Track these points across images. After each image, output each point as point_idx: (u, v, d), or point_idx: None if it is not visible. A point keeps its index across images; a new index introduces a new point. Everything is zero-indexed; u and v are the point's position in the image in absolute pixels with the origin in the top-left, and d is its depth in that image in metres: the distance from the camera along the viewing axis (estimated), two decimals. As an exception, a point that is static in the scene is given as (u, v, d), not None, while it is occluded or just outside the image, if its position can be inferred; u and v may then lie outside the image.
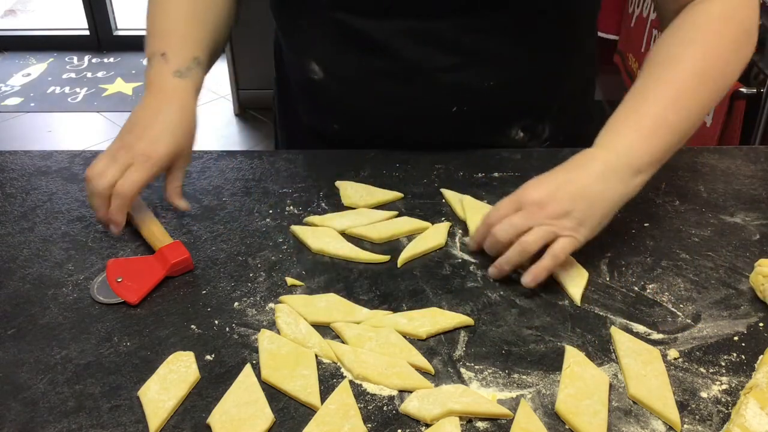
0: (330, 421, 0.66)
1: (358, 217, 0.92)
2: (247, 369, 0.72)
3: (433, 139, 1.04)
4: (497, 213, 0.82)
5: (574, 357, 0.73)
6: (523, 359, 0.74)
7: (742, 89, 1.70)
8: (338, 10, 0.96)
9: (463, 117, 1.02)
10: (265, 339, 0.75)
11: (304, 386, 0.70)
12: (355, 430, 0.66)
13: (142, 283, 0.82)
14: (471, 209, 0.92)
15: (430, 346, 0.75)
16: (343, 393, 0.69)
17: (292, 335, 0.76)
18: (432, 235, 0.89)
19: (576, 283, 0.82)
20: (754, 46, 0.90)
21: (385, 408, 0.69)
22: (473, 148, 1.05)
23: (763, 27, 1.68)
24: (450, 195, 0.96)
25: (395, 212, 0.93)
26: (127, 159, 0.85)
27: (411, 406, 0.68)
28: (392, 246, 0.89)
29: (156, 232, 0.88)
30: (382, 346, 0.75)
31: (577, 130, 1.08)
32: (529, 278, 0.79)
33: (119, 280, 0.82)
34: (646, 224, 0.92)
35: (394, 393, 0.70)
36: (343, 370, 0.73)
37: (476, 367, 0.73)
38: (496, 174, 1.01)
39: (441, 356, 0.74)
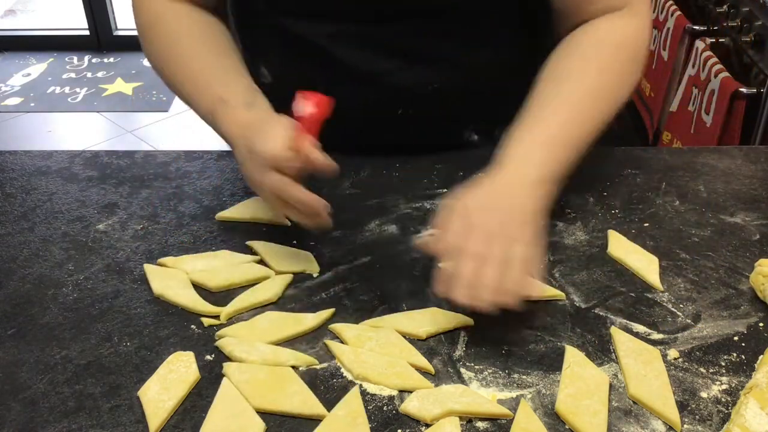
0: (337, 428, 0.66)
1: (213, 261, 0.86)
2: (226, 382, 0.71)
3: (385, 142, 1.03)
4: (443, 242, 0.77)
5: (574, 357, 0.73)
6: (523, 359, 0.74)
7: (742, 89, 1.70)
8: (279, 14, 0.97)
9: (411, 120, 1.02)
10: (233, 372, 0.72)
11: (303, 401, 0.69)
12: None
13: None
14: None
15: (430, 346, 0.75)
16: (353, 400, 0.69)
17: (259, 358, 0.73)
18: (264, 288, 0.82)
19: (651, 270, 0.84)
20: (640, 75, 0.92)
21: (385, 408, 0.69)
22: (432, 151, 1.04)
23: (764, 27, 1.69)
24: None
25: (257, 258, 0.87)
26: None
27: (411, 406, 0.68)
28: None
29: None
30: (382, 346, 0.74)
31: None
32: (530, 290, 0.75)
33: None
34: (646, 224, 0.92)
35: (394, 393, 0.70)
36: (343, 370, 0.73)
37: (476, 367, 0.73)
38: (496, 174, 1.01)
39: (441, 356, 0.74)
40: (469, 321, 0.77)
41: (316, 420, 0.67)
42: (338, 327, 0.77)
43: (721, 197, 0.97)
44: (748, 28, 1.75)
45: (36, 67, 3.61)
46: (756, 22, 1.72)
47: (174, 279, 0.83)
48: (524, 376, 0.72)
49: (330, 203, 0.96)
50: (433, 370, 0.73)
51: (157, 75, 0.97)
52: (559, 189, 0.83)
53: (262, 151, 0.78)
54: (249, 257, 0.87)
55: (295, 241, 0.89)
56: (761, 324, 0.78)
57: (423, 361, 0.73)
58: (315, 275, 0.85)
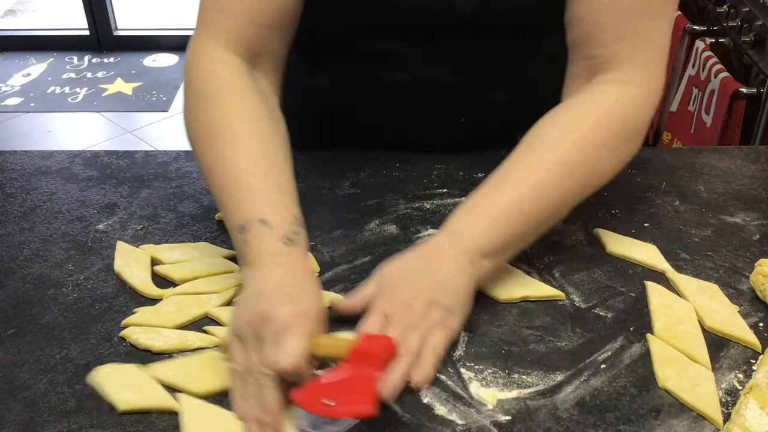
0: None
1: (191, 252, 0.87)
2: (184, 397, 0.69)
3: (438, 146, 1.05)
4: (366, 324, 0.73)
5: (656, 290, 0.81)
6: (523, 359, 0.74)
7: (742, 89, 1.70)
8: (356, 31, 0.96)
9: (471, 126, 1.03)
10: (161, 372, 0.71)
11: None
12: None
13: (363, 393, 0.65)
14: None
15: (430, 346, 0.75)
16: None
17: (166, 343, 0.74)
18: (216, 280, 0.82)
19: (657, 258, 0.86)
20: (637, 146, 0.85)
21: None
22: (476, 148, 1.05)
23: (764, 27, 1.69)
24: None
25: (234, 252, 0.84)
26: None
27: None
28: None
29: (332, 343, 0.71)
30: None
31: None
32: (419, 378, 0.69)
33: (331, 403, 0.64)
34: (646, 224, 0.92)
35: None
36: None
37: (476, 367, 0.73)
38: (496, 174, 1.01)
39: (441, 356, 0.74)
40: (341, 298, 0.79)
41: None
42: (215, 311, 0.78)
43: (721, 197, 0.97)
44: (748, 28, 1.75)
45: (36, 67, 3.61)
46: (756, 22, 1.72)
47: (136, 260, 0.85)
48: (524, 376, 0.72)
49: (330, 203, 0.96)
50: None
51: (191, 148, 0.85)
52: (499, 263, 0.80)
53: (275, 361, 0.66)
54: (227, 251, 0.87)
55: (295, 241, 0.90)
56: (761, 324, 0.78)
57: None
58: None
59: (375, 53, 0.97)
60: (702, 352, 0.73)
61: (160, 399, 0.69)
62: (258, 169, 0.79)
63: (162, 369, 0.72)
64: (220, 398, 0.70)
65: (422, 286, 0.74)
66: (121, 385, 0.70)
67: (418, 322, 0.72)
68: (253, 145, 0.80)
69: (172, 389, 0.70)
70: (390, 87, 0.99)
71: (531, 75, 1.00)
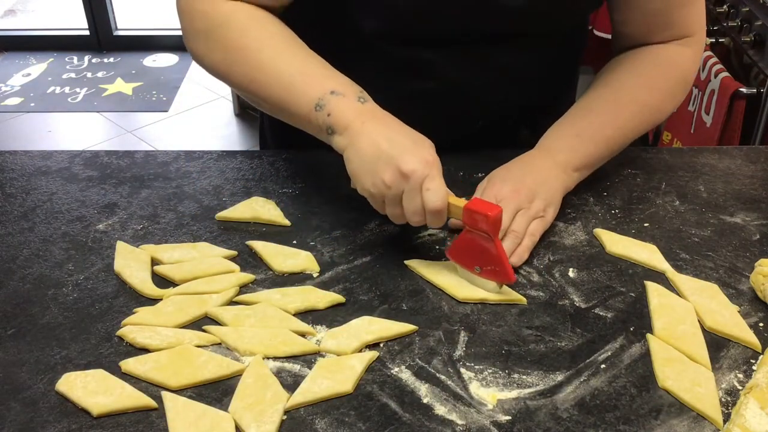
0: (252, 393, 0.69)
1: (191, 252, 0.87)
2: (166, 394, 0.70)
3: (447, 146, 1.05)
4: None
5: (656, 290, 0.81)
6: (523, 359, 0.74)
7: (742, 89, 1.70)
8: (387, 41, 0.95)
9: (484, 129, 1.05)
10: (134, 367, 0.72)
11: (217, 365, 0.72)
12: (278, 395, 0.69)
13: (497, 263, 0.79)
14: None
15: (430, 346, 0.75)
16: (257, 366, 0.72)
17: (163, 342, 0.74)
18: (216, 281, 0.83)
19: (657, 258, 0.87)
20: (685, 96, 1.01)
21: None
22: (477, 148, 1.05)
23: (764, 27, 1.69)
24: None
25: (233, 253, 0.87)
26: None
27: (330, 344, 0.74)
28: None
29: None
30: (261, 320, 0.77)
31: None
32: (515, 259, 0.85)
33: (477, 270, 0.81)
34: (646, 224, 0.92)
35: (296, 367, 0.73)
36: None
37: (476, 367, 0.73)
38: (496, 174, 1.01)
39: (441, 356, 0.74)
40: (340, 299, 0.80)
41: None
42: (214, 312, 0.78)
43: (721, 197, 0.97)
44: (748, 28, 1.75)
45: (36, 67, 3.61)
46: (756, 22, 1.72)
47: (136, 260, 0.85)
48: (524, 376, 0.72)
49: (330, 203, 0.96)
50: (315, 333, 0.76)
51: (222, 80, 0.91)
52: (582, 177, 0.94)
53: (430, 203, 0.78)
54: (227, 251, 0.87)
55: (295, 241, 0.90)
56: (761, 324, 0.78)
57: (303, 326, 0.77)
58: (315, 275, 0.85)
59: (403, 61, 0.97)
60: (702, 352, 0.73)
61: (135, 398, 0.69)
62: (297, 57, 0.86)
63: (136, 364, 0.72)
64: (201, 392, 0.70)
65: (526, 180, 0.89)
66: (89, 390, 0.69)
67: (525, 205, 0.87)
68: (281, 43, 0.87)
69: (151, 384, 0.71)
70: (414, 94, 0.99)
71: (543, 77, 1.03)
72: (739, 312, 0.78)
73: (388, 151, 0.79)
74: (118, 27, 3.78)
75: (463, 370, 0.73)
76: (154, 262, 0.86)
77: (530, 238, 0.86)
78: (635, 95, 0.96)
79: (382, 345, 0.75)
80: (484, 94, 1.01)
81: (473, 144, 1.05)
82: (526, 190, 0.88)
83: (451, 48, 0.96)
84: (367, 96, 0.84)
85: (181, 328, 0.77)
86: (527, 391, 0.70)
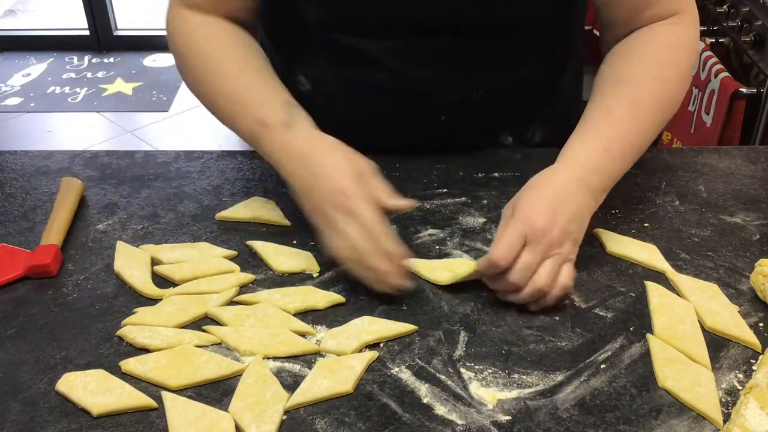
0: (252, 393, 0.69)
1: (190, 252, 0.87)
2: (166, 394, 0.70)
3: (422, 146, 1.04)
4: (507, 252, 0.76)
5: (656, 290, 0.81)
6: (523, 359, 0.74)
7: (742, 89, 1.70)
8: (332, 30, 0.96)
9: (451, 125, 1.03)
10: (134, 367, 0.72)
11: (218, 364, 0.72)
12: (278, 395, 0.69)
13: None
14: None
15: (430, 346, 0.75)
16: (257, 366, 0.72)
17: (163, 342, 0.74)
18: (216, 280, 0.83)
19: (657, 258, 0.86)
20: (692, 78, 0.96)
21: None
22: (472, 149, 1.05)
23: (764, 27, 1.69)
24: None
25: (233, 253, 0.88)
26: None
27: (330, 344, 0.74)
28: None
29: (57, 227, 0.88)
30: (261, 320, 0.77)
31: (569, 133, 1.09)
32: (536, 308, 0.79)
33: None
34: (646, 224, 0.92)
35: (296, 368, 0.73)
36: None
37: (476, 367, 0.73)
38: (496, 174, 1.01)
39: (441, 356, 0.74)
40: (340, 299, 0.80)
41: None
42: (214, 312, 0.78)
43: (721, 197, 0.97)
44: (748, 28, 1.75)
45: (36, 67, 3.61)
46: (756, 22, 1.72)
47: (135, 260, 0.85)
48: (524, 376, 0.72)
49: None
50: (315, 333, 0.76)
51: (199, 101, 0.95)
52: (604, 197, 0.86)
53: (380, 200, 0.80)
54: (227, 251, 0.87)
55: (295, 241, 0.90)
56: (761, 324, 0.78)
57: (303, 326, 0.77)
58: (315, 275, 0.85)
59: (351, 52, 0.97)
60: (702, 352, 0.73)
61: (135, 398, 0.69)
62: (242, 80, 0.90)
63: (136, 364, 0.72)
64: (201, 392, 0.70)
65: (560, 216, 0.78)
66: (89, 390, 0.69)
67: (552, 251, 0.77)
68: (233, 63, 0.91)
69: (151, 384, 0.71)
70: (370, 88, 0.99)
71: (510, 74, 1.01)
72: (739, 312, 0.78)
73: (310, 191, 0.82)
74: (118, 27, 3.78)
75: (463, 370, 0.73)
76: (154, 262, 0.86)
77: (562, 290, 0.78)
78: (653, 91, 0.88)
79: (382, 345, 0.75)
80: (437, 89, 0.99)
81: (455, 143, 1.04)
82: (558, 231, 0.78)
83: (398, 40, 0.95)
84: (296, 115, 0.86)
85: (181, 328, 0.77)
86: (527, 391, 0.70)
